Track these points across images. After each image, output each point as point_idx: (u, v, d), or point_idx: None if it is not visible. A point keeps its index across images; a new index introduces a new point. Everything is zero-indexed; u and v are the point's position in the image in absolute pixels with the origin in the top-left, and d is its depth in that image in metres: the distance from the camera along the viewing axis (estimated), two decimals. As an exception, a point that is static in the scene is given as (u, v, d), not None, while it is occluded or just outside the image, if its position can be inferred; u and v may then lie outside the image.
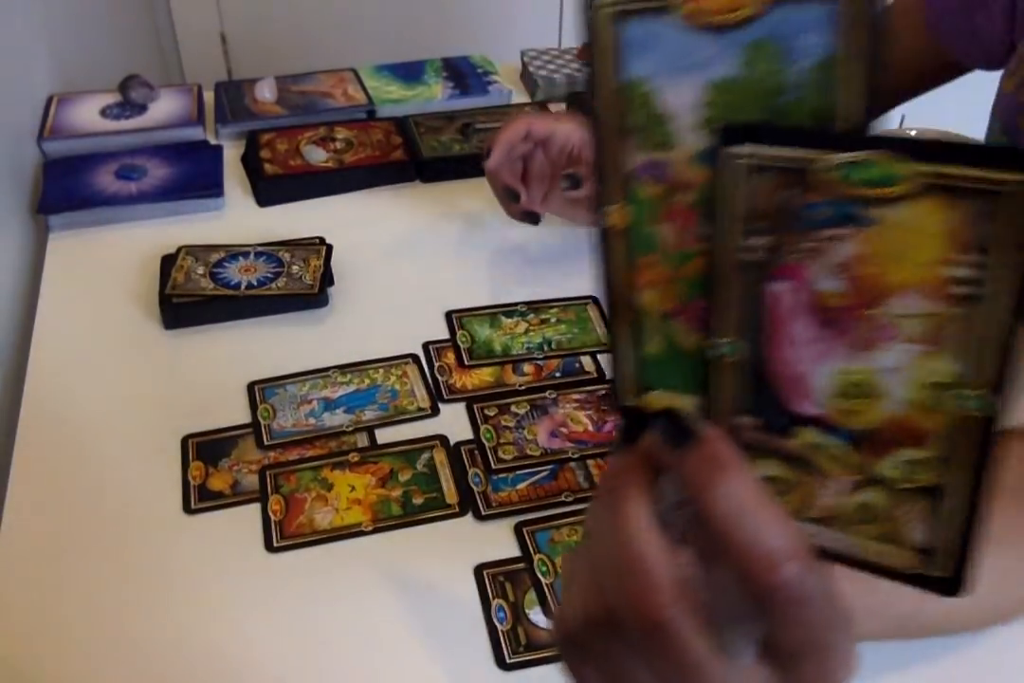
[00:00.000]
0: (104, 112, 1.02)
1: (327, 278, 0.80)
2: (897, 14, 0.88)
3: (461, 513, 0.62)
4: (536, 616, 0.55)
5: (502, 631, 0.55)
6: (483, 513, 0.62)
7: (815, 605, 0.27)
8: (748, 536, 0.27)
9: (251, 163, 0.96)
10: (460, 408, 0.70)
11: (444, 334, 0.77)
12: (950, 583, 0.30)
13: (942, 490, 0.29)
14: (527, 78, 1.13)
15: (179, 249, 0.82)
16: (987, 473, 0.28)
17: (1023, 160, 0.24)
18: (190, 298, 0.77)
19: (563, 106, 1.07)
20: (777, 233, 0.28)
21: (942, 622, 0.45)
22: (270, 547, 0.59)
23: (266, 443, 0.67)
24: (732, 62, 0.27)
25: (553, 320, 0.78)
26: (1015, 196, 0.24)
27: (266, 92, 1.06)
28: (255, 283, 0.78)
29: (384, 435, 0.68)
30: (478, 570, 0.58)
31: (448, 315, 0.78)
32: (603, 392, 0.70)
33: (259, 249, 0.82)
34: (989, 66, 0.82)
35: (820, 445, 0.30)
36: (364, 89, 1.08)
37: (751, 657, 0.29)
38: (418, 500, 0.63)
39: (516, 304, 0.79)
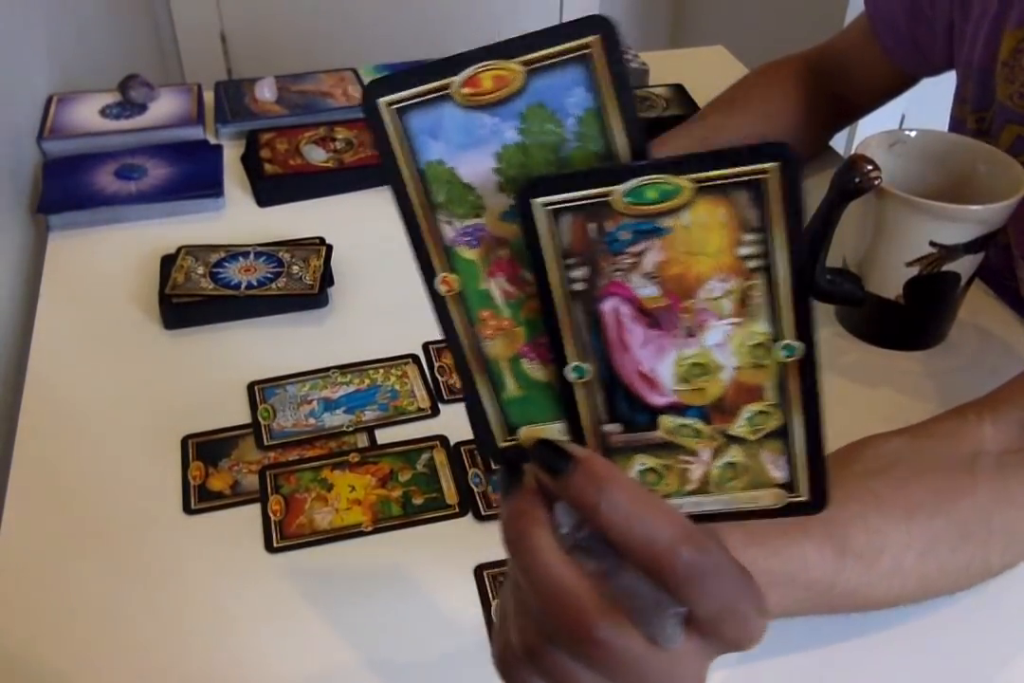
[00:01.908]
0: (104, 112, 1.02)
1: (327, 278, 0.80)
2: (851, 37, 0.92)
3: (461, 513, 0.62)
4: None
5: (502, 632, 0.54)
6: (483, 513, 0.62)
7: (717, 574, 0.32)
8: (641, 537, 0.31)
9: (251, 163, 0.96)
10: (460, 408, 0.69)
11: (444, 334, 0.77)
12: (812, 504, 0.35)
13: (786, 428, 0.34)
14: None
15: (179, 249, 0.82)
16: (817, 403, 0.34)
17: (769, 153, 0.30)
18: (190, 298, 0.77)
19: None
20: (592, 262, 0.33)
21: (865, 591, 0.45)
22: (270, 547, 0.59)
23: (266, 443, 0.67)
24: (513, 130, 0.32)
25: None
26: (773, 180, 0.30)
27: (266, 92, 1.06)
28: (255, 283, 0.78)
29: (384, 435, 0.68)
30: (478, 570, 0.58)
31: (448, 315, 0.78)
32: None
33: (259, 249, 0.82)
34: (935, 73, 0.88)
35: (679, 427, 0.35)
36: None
37: (680, 638, 0.32)
38: (418, 500, 0.63)
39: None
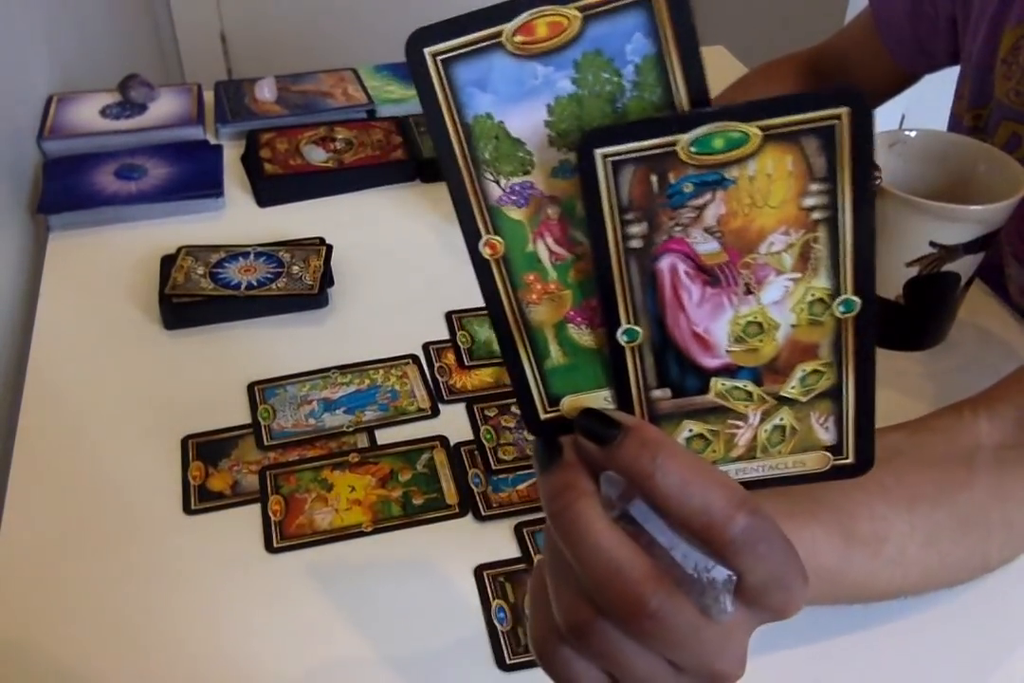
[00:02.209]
0: (104, 112, 1.02)
1: (327, 278, 0.80)
2: (852, 35, 0.92)
3: (461, 514, 0.62)
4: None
5: (502, 632, 0.55)
6: (483, 514, 0.62)
7: (769, 540, 0.31)
8: (696, 504, 0.30)
9: (251, 163, 0.96)
10: (460, 409, 0.70)
11: (444, 334, 0.77)
12: (858, 466, 0.35)
13: (839, 388, 0.34)
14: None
15: (179, 249, 0.82)
16: (871, 361, 0.33)
17: (841, 98, 0.29)
18: (190, 298, 0.77)
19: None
20: (651, 217, 0.31)
21: (869, 581, 0.45)
22: (270, 548, 0.59)
23: (266, 443, 0.66)
24: (567, 79, 0.30)
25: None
26: (844, 126, 0.29)
27: (266, 92, 1.06)
28: (255, 283, 0.78)
29: (384, 436, 0.68)
30: (478, 571, 0.58)
31: (448, 315, 0.78)
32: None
33: (259, 249, 0.82)
34: (932, 70, 0.89)
35: (731, 390, 0.34)
36: (364, 89, 1.08)
37: (732, 609, 0.32)
38: (418, 501, 0.63)
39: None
